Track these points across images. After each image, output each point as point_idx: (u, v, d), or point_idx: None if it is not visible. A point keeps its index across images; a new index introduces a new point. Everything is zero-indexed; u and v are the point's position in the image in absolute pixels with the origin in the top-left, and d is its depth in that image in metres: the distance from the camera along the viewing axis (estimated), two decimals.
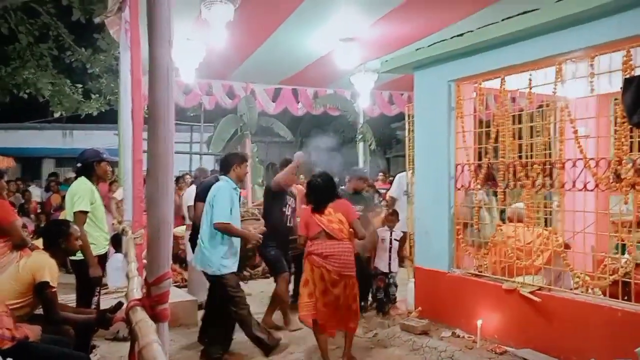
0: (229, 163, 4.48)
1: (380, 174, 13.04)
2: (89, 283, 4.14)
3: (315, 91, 10.51)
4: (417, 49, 5.42)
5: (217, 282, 4.38)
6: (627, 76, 3.63)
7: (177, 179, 9.55)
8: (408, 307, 5.60)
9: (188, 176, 10.08)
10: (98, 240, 4.33)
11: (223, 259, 4.31)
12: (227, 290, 4.32)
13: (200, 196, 5.01)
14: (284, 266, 5.32)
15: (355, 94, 10.07)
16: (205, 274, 4.46)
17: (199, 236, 4.47)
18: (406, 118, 6.05)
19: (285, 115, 11.72)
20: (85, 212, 4.19)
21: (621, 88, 3.64)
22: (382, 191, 11.43)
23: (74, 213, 4.16)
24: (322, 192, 4.35)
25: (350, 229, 4.34)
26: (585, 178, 4.03)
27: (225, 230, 4.26)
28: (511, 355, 4.26)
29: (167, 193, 1.89)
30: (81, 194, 4.22)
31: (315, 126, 19.22)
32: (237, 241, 4.42)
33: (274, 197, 5.44)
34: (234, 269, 4.40)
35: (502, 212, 5.20)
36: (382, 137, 19.45)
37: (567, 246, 4.41)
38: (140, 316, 1.82)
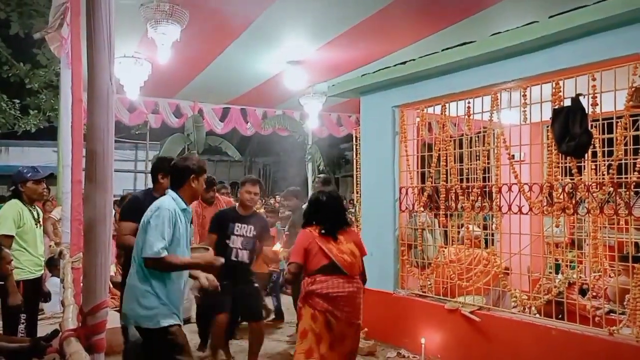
0: (181, 174, 3.15)
1: None
2: (9, 310, 3.95)
3: (264, 111, 10.53)
4: (363, 75, 5.57)
5: (153, 339, 3.01)
6: (556, 107, 3.86)
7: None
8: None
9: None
10: (25, 265, 4.16)
11: (162, 306, 2.99)
12: (170, 348, 3.00)
13: (126, 213, 3.95)
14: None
15: (304, 115, 10.16)
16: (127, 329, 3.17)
17: (128, 274, 3.16)
18: (354, 140, 6.18)
19: (235, 134, 11.68)
20: (9, 236, 4.03)
21: (551, 118, 3.87)
22: None
23: None
24: (336, 213, 3.49)
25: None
26: (520, 202, 4.23)
27: (159, 265, 2.95)
28: None
29: (105, 217, 1.84)
30: (6, 216, 4.07)
31: (264, 146, 19.23)
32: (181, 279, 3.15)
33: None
34: (180, 319, 3.12)
35: (445, 233, 5.37)
36: (331, 158, 19.68)
37: (507, 270, 4.58)
38: (75, 348, 1.75)
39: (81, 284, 3.22)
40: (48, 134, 12.56)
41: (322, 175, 6.77)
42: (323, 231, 3.37)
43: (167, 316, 2.99)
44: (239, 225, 4.32)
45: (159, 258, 2.91)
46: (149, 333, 3.00)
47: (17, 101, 11.50)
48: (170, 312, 3.00)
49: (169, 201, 3.08)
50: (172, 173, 3.24)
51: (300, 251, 3.36)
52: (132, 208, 3.81)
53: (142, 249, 2.95)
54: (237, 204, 4.59)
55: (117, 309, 6.42)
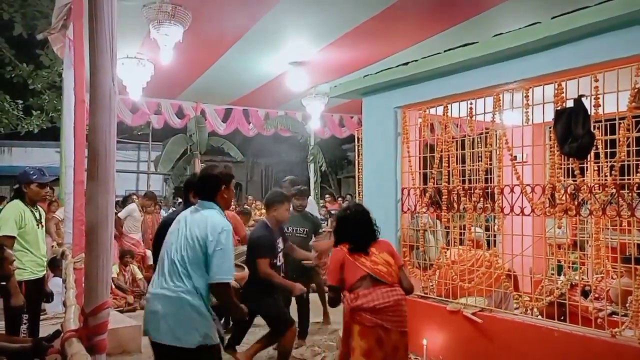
0: (214, 183, 3.02)
1: (327, 195, 13.18)
2: (11, 311, 3.97)
3: (266, 112, 10.56)
4: (365, 76, 5.56)
5: (193, 356, 2.82)
6: (558, 108, 3.86)
7: (124, 200, 9.30)
8: None
9: (135, 196, 9.82)
10: (27, 266, 4.18)
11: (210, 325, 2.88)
12: None
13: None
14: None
15: (306, 116, 10.18)
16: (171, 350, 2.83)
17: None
18: (356, 141, 6.17)
19: (238, 135, 11.71)
20: (11, 237, 4.04)
21: (553, 119, 3.86)
22: (333, 212, 11.56)
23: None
24: (364, 227, 3.44)
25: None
26: (522, 203, 4.23)
27: (225, 292, 2.85)
28: None
29: (107, 218, 1.85)
30: (7, 217, 4.08)
31: (266, 147, 19.27)
32: None
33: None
34: None
35: (447, 234, 5.36)
36: (333, 159, 19.69)
37: (509, 272, 4.57)
38: (76, 349, 1.76)
39: (83, 285, 3.23)
40: (51, 134, 12.60)
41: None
42: (352, 247, 3.33)
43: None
44: (278, 241, 4.58)
45: (229, 284, 2.85)
46: (202, 352, 2.82)
47: (20, 102, 11.54)
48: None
49: (220, 217, 2.94)
50: (203, 184, 3.09)
51: (337, 271, 3.31)
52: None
53: (212, 271, 2.78)
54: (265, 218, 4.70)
55: (120, 309, 6.45)
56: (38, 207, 4.45)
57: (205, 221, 2.87)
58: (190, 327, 2.78)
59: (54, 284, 5.73)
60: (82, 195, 4.03)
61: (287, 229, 5.14)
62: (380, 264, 3.26)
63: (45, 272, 4.54)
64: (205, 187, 3.06)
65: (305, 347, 5.17)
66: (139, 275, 7.77)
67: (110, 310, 4.99)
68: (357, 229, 3.39)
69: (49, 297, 4.62)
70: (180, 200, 9.47)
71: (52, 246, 6.66)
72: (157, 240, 3.63)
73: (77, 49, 4.29)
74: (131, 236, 8.35)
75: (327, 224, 9.57)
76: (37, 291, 4.35)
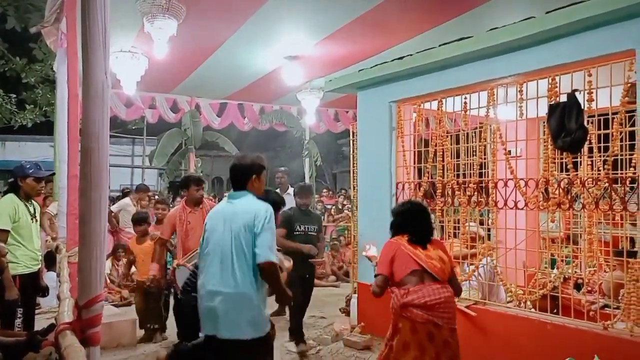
0: (245, 172, 3.03)
1: (324, 190, 13.19)
2: (6, 304, 3.96)
3: (261, 107, 10.53)
4: (360, 70, 5.56)
5: (252, 347, 2.80)
6: (552, 102, 3.87)
7: (125, 193, 9.25)
8: (351, 322, 5.65)
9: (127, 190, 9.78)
10: (21, 260, 4.17)
11: (266, 311, 2.91)
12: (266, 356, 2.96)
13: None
14: None
15: (301, 110, 10.16)
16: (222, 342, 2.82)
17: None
18: (350, 136, 6.17)
19: (233, 130, 11.69)
20: (5, 231, 4.03)
21: (547, 113, 3.88)
22: (328, 207, 11.58)
23: None
24: (426, 221, 3.38)
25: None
26: (516, 197, 4.25)
27: (276, 272, 2.83)
28: None
29: (100, 211, 1.85)
30: (1, 211, 4.06)
31: (262, 141, 19.22)
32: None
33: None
34: None
35: (442, 228, 5.38)
36: (328, 153, 19.68)
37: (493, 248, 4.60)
38: (70, 341, 1.76)
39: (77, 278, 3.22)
40: (45, 128, 12.53)
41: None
42: (412, 240, 3.26)
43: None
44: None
45: (277, 265, 2.84)
46: (254, 343, 2.81)
47: (14, 96, 11.47)
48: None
49: (263, 202, 2.95)
50: (234, 174, 3.07)
51: (387, 262, 3.23)
52: None
53: (263, 252, 2.76)
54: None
55: (115, 303, 6.44)
56: (33, 201, 4.44)
57: (248, 207, 2.87)
58: (248, 320, 2.78)
59: (49, 278, 5.71)
60: (76, 189, 4.02)
61: (300, 228, 5.10)
62: (434, 259, 3.20)
63: (39, 266, 4.52)
64: (236, 176, 3.05)
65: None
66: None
67: (106, 304, 4.98)
68: (419, 222, 3.34)
69: (44, 291, 4.61)
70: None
71: (46, 240, 6.64)
72: None
73: (70, 43, 4.27)
74: (128, 230, 8.33)
75: (324, 218, 9.60)
76: (32, 285, 4.33)
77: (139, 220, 5.69)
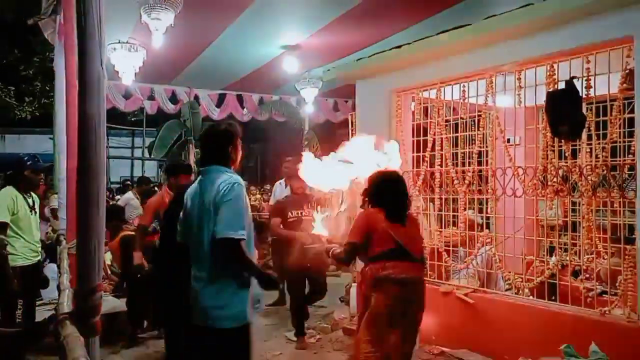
0: (215, 143, 2.75)
1: None
2: (6, 296, 3.99)
3: (260, 97, 10.51)
4: (358, 59, 5.55)
5: (232, 338, 2.61)
6: (550, 90, 3.86)
7: (126, 185, 9.27)
8: (351, 311, 5.68)
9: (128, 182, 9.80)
10: (20, 251, 4.19)
11: (245, 301, 2.64)
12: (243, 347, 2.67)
13: None
14: None
15: (300, 100, 10.14)
16: (201, 331, 2.64)
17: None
18: (349, 125, 6.16)
19: (232, 120, 11.67)
20: (4, 223, 4.06)
21: (545, 101, 3.87)
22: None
23: None
24: (403, 196, 3.23)
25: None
26: (514, 185, 4.25)
27: (237, 250, 2.54)
28: (447, 356, 4.41)
29: (98, 202, 1.86)
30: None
31: (261, 132, 19.18)
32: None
33: None
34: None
35: (440, 217, 5.39)
36: (329, 143, 19.65)
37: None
38: (69, 330, 1.77)
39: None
40: (44, 121, 12.51)
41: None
42: (390, 216, 3.10)
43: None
44: None
45: (239, 242, 2.52)
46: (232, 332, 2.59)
47: (12, 88, 11.45)
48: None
49: (234, 175, 2.66)
50: (204, 147, 2.81)
51: (362, 232, 3.09)
52: None
53: (221, 228, 2.50)
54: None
55: (115, 294, 6.46)
56: (32, 193, 4.45)
57: (214, 182, 2.59)
58: (226, 308, 2.57)
59: (50, 269, 5.74)
60: (76, 181, 4.03)
61: (292, 214, 5.10)
62: (413, 238, 3.14)
63: (39, 257, 4.55)
64: (206, 149, 2.78)
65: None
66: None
67: (107, 295, 4.98)
68: (397, 195, 3.18)
69: (45, 282, 4.65)
70: None
71: (47, 232, 6.67)
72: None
73: (68, 34, 4.26)
74: (132, 222, 8.34)
75: None
76: (32, 277, 4.36)
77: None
